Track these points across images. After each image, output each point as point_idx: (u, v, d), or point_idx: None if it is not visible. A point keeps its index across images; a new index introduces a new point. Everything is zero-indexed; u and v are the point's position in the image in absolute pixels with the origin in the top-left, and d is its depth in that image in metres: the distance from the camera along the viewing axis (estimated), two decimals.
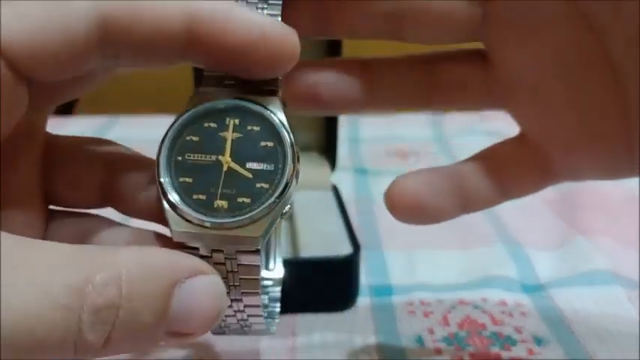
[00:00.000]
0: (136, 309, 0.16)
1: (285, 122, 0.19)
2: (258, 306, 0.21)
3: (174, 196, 0.18)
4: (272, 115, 0.19)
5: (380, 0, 0.23)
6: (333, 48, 0.42)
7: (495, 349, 0.32)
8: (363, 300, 0.36)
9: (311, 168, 0.44)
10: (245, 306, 0.20)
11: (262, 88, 0.20)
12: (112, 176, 0.21)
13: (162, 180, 0.19)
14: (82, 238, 0.21)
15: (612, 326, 0.34)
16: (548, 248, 0.42)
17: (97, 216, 0.22)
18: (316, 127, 0.45)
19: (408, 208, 0.25)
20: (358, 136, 0.62)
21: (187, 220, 0.18)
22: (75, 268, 0.15)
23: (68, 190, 0.21)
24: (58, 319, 0.15)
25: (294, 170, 0.19)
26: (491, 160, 0.26)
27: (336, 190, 0.43)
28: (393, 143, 0.60)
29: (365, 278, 0.38)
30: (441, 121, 0.66)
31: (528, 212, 0.47)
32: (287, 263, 0.35)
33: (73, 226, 0.21)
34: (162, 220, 0.19)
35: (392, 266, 0.39)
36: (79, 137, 0.22)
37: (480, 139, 0.61)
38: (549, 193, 0.50)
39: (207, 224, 0.18)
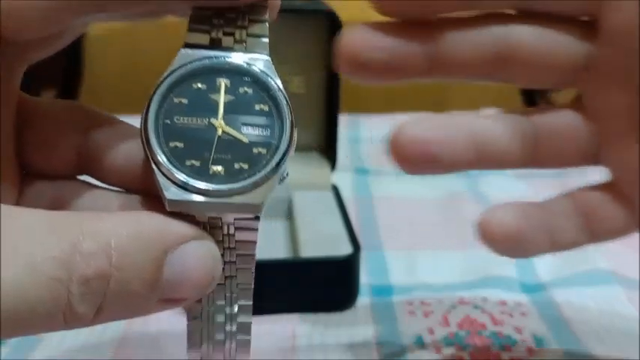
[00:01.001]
0: (127, 278, 0.15)
1: (280, 84, 0.19)
2: (249, 299, 0.21)
3: (165, 163, 0.17)
4: (266, 78, 0.19)
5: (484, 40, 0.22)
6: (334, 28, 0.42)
7: (495, 349, 0.32)
8: (363, 300, 0.36)
9: (311, 168, 0.44)
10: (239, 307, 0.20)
11: (251, 19, 0.19)
12: (88, 141, 0.20)
13: (151, 146, 0.17)
14: (60, 204, 0.20)
15: (612, 326, 0.34)
16: None
17: (75, 180, 0.21)
18: (316, 127, 0.45)
19: (507, 239, 0.24)
20: (358, 136, 0.62)
21: (181, 188, 0.17)
22: (62, 237, 0.15)
23: (41, 155, 0.20)
24: (45, 293, 0.14)
25: (292, 135, 0.18)
26: (580, 202, 0.25)
27: (336, 190, 0.43)
28: None
29: (365, 278, 0.38)
30: None
31: None
32: (287, 263, 0.36)
33: (49, 192, 0.20)
34: (147, 188, 0.18)
35: (392, 266, 0.39)
36: (54, 100, 0.21)
37: None
38: (550, 193, 0.50)
39: (204, 191, 0.17)
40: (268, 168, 0.18)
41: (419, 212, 0.47)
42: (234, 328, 0.21)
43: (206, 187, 0.17)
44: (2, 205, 0.15)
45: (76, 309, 0.15)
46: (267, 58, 0.19)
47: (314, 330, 0.33)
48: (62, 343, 0.32)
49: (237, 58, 0.19)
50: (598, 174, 0.54)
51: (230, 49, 0.19)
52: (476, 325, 0.34)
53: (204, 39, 0.19)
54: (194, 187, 0.17)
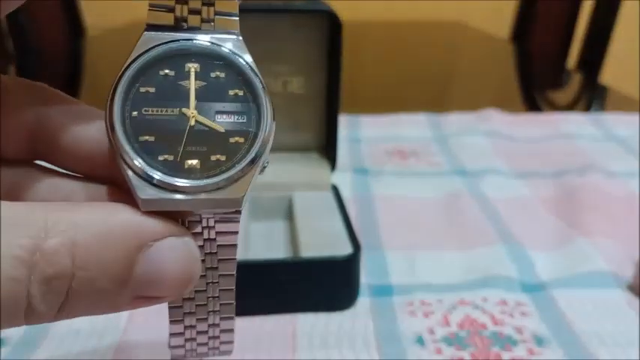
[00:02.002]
0: (92, 277, 0.14)
1: (253, 65, 0.17)
2: (232, 317, 0.19)
3: (136, 159, 0.16)
4: (237, 58, 0.17)
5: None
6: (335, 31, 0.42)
7: (496, 349, 0.32)
8: (363, 300, 0.36)
9: (311, 168, 0.44)
10: (220, 290, 0.19)
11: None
12: (44, 121, 0.18)
13: (119, 141, 0.16)
14: (17, 191, 0.18)
15: (612, 327, 0.34)
16: (548, 248, 0.42)
17: (35, 165, 0.19)
18: (316, 127, 0.45)
19: None
20: (358, 136, 0.62)
21: (156, 186, 0.16)
22: (23, 232, 0.14)
23: None
24: (3, 293, 0.13)
25: (271, 120, 0.17)
26: None
27: (336, 190, 0.43)
28: (393, 143, 0.60)
29: (365, 278, 0.38)
30: (439, 122, 0.66)
31: (528, 212, 0.47)
32: (288, 263, 0.36)
33: (5, 178, 0.18)
34: (114, 176, 0.17)
35: (392, 266, 0.39)
36: (10, 76, 0.19)
37: (479, 140, 0.62)
38: (549, 193, 0.50)
39: (180, 188, 0.16)
40: (248, 159, 0.16)
41: (419, 212, 0.47)
42: (216, 332, 0.20)
43: (182, 184, 0.16)
44: None
45: (37, 308, 0.14)
46: (238, 36, 0.17)
47: (314, 330, 0.33)
48: (62, 344, 0.32)
49: (206, 39, 0.17)
50: (598, 174, 0.54)
51: (197, 29, 0.17)
52: (476, 326, 0.34)
53: (167, 18, 0.17)
54: (169, 184, 0.16)
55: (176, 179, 0.16)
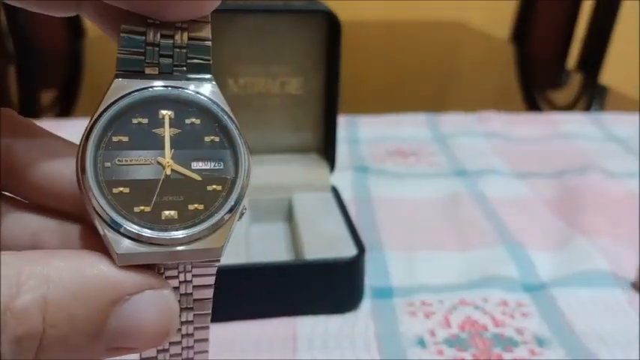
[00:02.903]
0: (64, 334, 0.14)
1: (228, 110, 0.16)
2: (206, 340, 0.18)
3: (110, 212, 0.15)
4: (212, 104, 0.16)
5: None
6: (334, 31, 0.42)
7: (497, 351, 0.32)
8: (364, 301, 0.36)
9: (310, 169, 0.44)
10: (194, 341, 0.18)
11: (191, 36, 0.16)
12: (12, 156, 0.17)
13: (93, 194, 0.15)
14: None
15: (613, 327, 0.34)
16: (548, 249, 0.42)
17: (2, 196, 0.18)
18: (315, 128, 0.45)
19: None
20: (357, 136, 0.62)
21: (133, 239, 0.15)
22: None
23: None
24: None
25: (248, 167, 0.16)
26: None
27: (335, 191, 0.43)
28: (392, 143, 0.60)
29: (366, 280, 0.37)
30: (439, 122, 0.66)
31: (529, 213, 0.47)
32: (292, 266, 0.35)
33: None
34: (84, 213, 0.16)
35: (392, 267, 0.39)
36: None
37: (477, 140, 0.61)
38: (549, 193, 0.50)
39: (158, 240, 0.15)
40: (226, 207, 0.16)
41: (418, 213, 0.47)
42: (190, 354, 0.19)
43: (160, 237, 0.15)
44: None
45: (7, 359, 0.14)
46: (211, 81, 0.17)
47: (315, 332, 0.33)
48: None
49: (179, 85, 0.16)
50: (598, 174, 0.54)
51: (169, 74, 0.16)
52: (477, 327, 0.34)
53: (138, 65, 0.16)
54: (146, 237, 0.15)
55: (153, 232, 0.15)
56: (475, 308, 0.35)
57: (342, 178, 0.51)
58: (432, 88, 0.90)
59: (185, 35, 0.16)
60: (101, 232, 0.15)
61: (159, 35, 0.16)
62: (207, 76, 0.17)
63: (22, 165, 0.17)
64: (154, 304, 0.15)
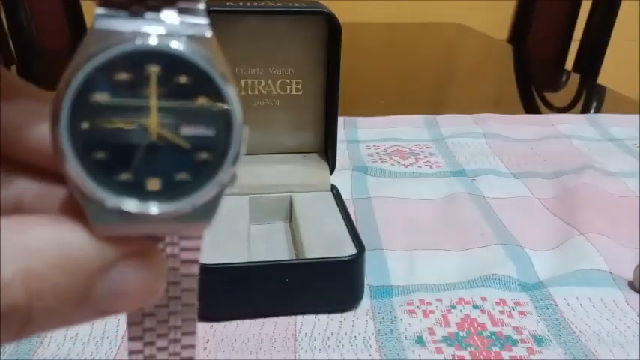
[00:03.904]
0: (49, 305, 0.13)
1: (223, 68, 0.14)
2: (193, 332, 0.17)
3: (89, 184, 0.13)
4: (204, 62, 0.14)
5: None
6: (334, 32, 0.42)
7: (496, 349, 0.32)
8: (363, 300, 0.36)
9: (310, 169, 0.44)
10: (182, 319, 0.17)
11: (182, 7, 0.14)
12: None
13: (68, 160, 0.13)
14: None
15: (611, 325, 0.34)
16: (547, 248, 0.42)
17: None
18: (315, 128, 0.45)
19: None
20: (357, 137, 0.62)
21: (114, 212, 0.14)
22: None
23: None
24: None
25: (241, 133, 0.14)
26: None
27: (335, 191, 0.43)
28: (392, 144, 0.61)
29: (365, 279, 0.38)
30: (437, 123, 0.66)
31: (527, 213, 0.47)
32: (293, 265, 0.36)
33: None
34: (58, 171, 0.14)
35: (392, 267, 0.40)
36: None
37: (476, 141, 0.62)
38: (547, 193, 0.50)
39: (141, 216, 0.14)
40: (216, 179, 0.14)
41: (417, 213, 0.47)
42: (177, 348, 0.18)
43: (143, 211, 0.14)
44: None
45: None
46: (208, 32, 0.15)
47: (315, 331, 0.33)
48: (58, 351, 0.32)
49: (169, 35, 0.14)
50: (596, 174, 0.54)
51: (157, 17, 0.14)
52: (476, 326, 0.34)
53: (122, 6, 0.14)
54: (127, 210, 0.14)
55: (135, 204, 0.14)
56: (474, 307, 0.35)
57: (342, 178, 0.51)
58: (431, 89, 0.91)
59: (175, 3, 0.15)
60: (79, 202, 0.14)
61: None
62: (204, 21, 0.15)
63: (11, 127, 0.16)
64: (141, 269, 0.15)
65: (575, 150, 0.60)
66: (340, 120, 0.45)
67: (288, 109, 0.44)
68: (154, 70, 0.14)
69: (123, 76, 0.14)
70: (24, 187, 0.16)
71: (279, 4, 0.41)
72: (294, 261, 0.37)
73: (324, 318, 0.34)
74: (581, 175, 0.52)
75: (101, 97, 0.14)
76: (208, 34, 0.14)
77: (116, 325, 0.33)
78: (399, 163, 0.56)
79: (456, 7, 1.58)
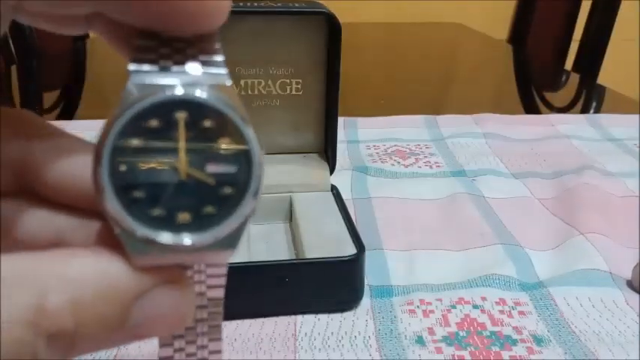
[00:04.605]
0: (92, 331, 0.15)
1: (243, 113, 0.16)
2: (219, 339, 0.19)
3: (127, 219, 0.15)
4: (225, 107, 0.16)
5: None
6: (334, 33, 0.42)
7: (496, 349, 0.32)
8: (363, 301, 0.36)
9: (310, 169, 0.45)
10: (209, 340, 0.19)
11: (201, 48, 0.17)
12: (29, 158, 0.18)
13: (108, 199, 0.15)
14: (7, 227, 0.18)
15: (611, 325, 0.34)
16: (547, 248, 0.42)
17: (24, 195, 0.18)
18: (315, 128, 0.45)
19: None
20: (357, 137, 0.62)
21: (147, 243, 0.15)
22: (28, 291, 0.14)
23: None
24: (12, 350, 0.14)
25: (260, 169, 0.17)
26: None
27: (335, 191, 0.43)
28: (392, 144, 0.61)
29: (365, 279, 0.38)
30: (437, 123, 0.66)
31: (527, 212, 0.47)
32: (293, 265, 0.36)
33: None
34: (97, 207, 0.16)
35: (392, 267, 0.40)
36: None
37: (476, 141, 0.62)
38: (547, 193, 0.50)
39: (173, 246, 0.16)
40: (239, 210, 0.16)
41: (417, 213, 0.47)
42: (205, 354, 0.20)
43: (175, 242, 0.16)
44: None
45: (43, 358, 0.14)
46: (227, 82, 0.17)
47: (315, 331, 0.33)
48: None
49: (193, 86, 0.16)
50: (596, 174, 0.54)
51: (182, 72, 0.16)
52: (476, 326, 0.34)
53: (152, 62, 0.16)
54: (160, 241, 0.16)
55: (168, 235, 0.16)
56: (474, 307, 0.36)
57: (342, 178, 0.51)
58: (431, 89, 0.91)
59: (196, 45, 0.17)
60: (117, 235, 0.16)
61: (170, 50, 0.17)
62: (223, 71, 0.17)
63: (39, 168, 0.18)
64: (172, 296, 0.16)
65: (575, 150, 0.60)
66: (340, 120, 0.45)
67: (288, 109, 0.44)
68: (181, 116, 0.16)
69: (155, 122, 0.16)
70: (62, 223, 0.18)
71: (279, 4, 0.41)
72: (294, 261, 0.37)
73: (324, 318, 0.34)
74: (581, 175, 0.52)
75: (136, 141, 0.15)
76: (228, 82, 0.16)
77: None
78: (399, 163, 0.56)
79: (456, 7, 1.58)
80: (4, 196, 0.18)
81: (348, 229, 0.38)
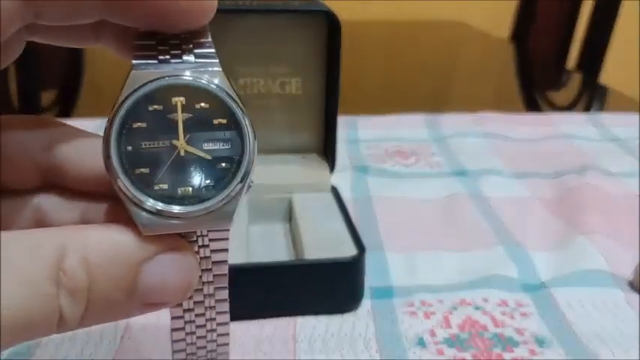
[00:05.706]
0: (104, 290, 0.17)
1: (234, 94, 0.18)
2: (226, 300, 0.21)
3: (135, 192, 0.18)
4: (218, 90, 0.18)
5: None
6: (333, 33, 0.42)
7: (497, 351, 0.32)
8: (363, 302, 0.36)
9: (310, 169, 0.44)
10: (215, 300, 0.21)
11: (195, 43, 0.19)
12: (53, 160, 0.21)
13: (117, 175, 0.18)
14: (42, 216, 0.21)
15: (613, 326, 0.34)
16: (548, 248, 0.42)
17: (49, 191, 0.22)
18: (315, 128, 0.45)
19: None
20: (357, 137, 0.62)
21: (154, 213, 0.18)
22: (47, 254, 0.16)
23: (4, 172, 0.21)
24: (42, 305, 0.16)
25: (253, 145, 0.19)
26: None
27: (335, 192, 0.43)
28: (392, 144, 0.60)
29: (366, 280, 0.37)
30: (438, 122, 0.66)
31: (528, 213, 0.47)
32: (293, 266, 0.35)
33: (24, 208, 0.21)
34: (116, 192, 0.18)
35: (392, 268, 0.39)
36: (13, 116, 0.21)
37: (477, 141, 0.62)
38: (549, 193, 0.50)
39: (176, 214, 0.18)
40: (234, 182, 0.18)
41: (418, 213, 0.47)
42: (214, 325, 0.22)
43: (178, 211, 0.18)
44: (6, 231, 0.16)
45: (66, 316, 0.17)
46: (218, 68, 0.19)
47: (315, 332, 0.33)
48: (57, 352, 0.31)
49: (188, 73, 0.18)
50: (597, 174, 0.54)
51: (179, 62, 0.19)
52: (477, 327, 0.34)
53: (152, 57, 0.19)
54: (166, 212, 0.18)
55: (171, 206, 0.18)
56: (475, 308, 0.35)
57: (342, 178, 0.51)
58: (431, 88, 0.90)
59: (189, 41, 0.19)
60: (127, 208, 0.18)
61: (167, 46, 0.19)
62: (214, 60, 0.19)
63: (62, 166, 0.21)
64: (176, 261, 0.18)
65: (576, 150, 0.59)
66: (340, 120, 0.44)
67: (288, 109, 0.44)
68: (178, 100, 0.18)
69: (155, 106, 0.18)
70: (84, 208, 0.21)
71: (278, 3, 0.41)
72: (294, 262, 0.37)
73: (324, 319, 0.34)
74: (582, 175, 0.52)
75: (140, 124, 0.18)
76: (218, 69, 0.19)
77: (115, 325, 0.33)
78: (399, 163, 0.56)
79: (458, 5, 1.57)
80: (36, 192, 0.21)
81: (348, 229, 0.38)
